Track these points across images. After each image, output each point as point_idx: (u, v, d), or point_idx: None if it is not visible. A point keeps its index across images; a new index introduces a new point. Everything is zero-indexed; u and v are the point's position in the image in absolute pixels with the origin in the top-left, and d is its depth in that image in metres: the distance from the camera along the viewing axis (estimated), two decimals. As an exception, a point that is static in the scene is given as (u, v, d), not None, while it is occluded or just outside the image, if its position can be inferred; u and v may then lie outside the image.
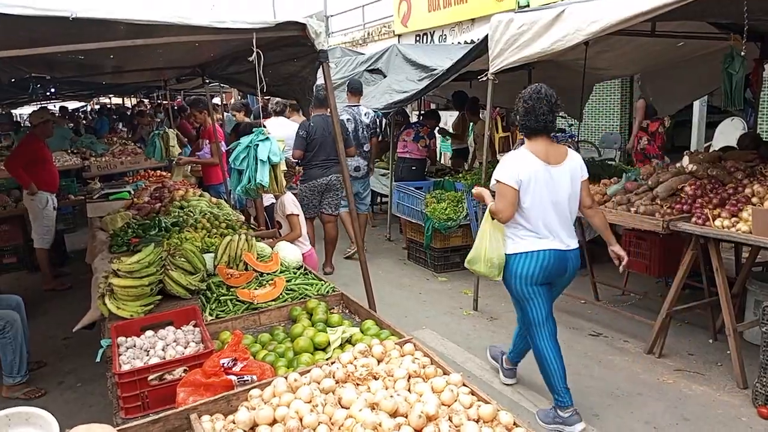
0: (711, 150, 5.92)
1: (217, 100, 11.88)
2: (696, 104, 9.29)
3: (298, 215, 4.91)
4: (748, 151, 5.17)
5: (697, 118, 9.64)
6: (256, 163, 3.75)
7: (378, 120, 7.56)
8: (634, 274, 5.55)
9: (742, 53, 4.68)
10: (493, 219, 3.61)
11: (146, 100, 16.19)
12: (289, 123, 7.50)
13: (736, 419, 3.74)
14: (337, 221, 7.09)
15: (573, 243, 3.63)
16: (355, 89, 7.34)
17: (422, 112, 10.63)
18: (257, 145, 3.78)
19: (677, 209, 4.39)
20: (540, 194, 3.46)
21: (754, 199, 4.13)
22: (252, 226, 4.98)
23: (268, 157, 3.75)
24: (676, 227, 4.24)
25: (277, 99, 7.48)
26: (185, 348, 2.73)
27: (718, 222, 4.08)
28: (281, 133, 5.55)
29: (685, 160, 4.98)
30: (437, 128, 10.08)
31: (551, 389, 3.63)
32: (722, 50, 5.15)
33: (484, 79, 5.18)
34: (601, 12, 4.01)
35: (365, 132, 7.29)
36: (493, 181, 3.60)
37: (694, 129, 9.75)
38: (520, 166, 3.46)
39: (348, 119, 7.13)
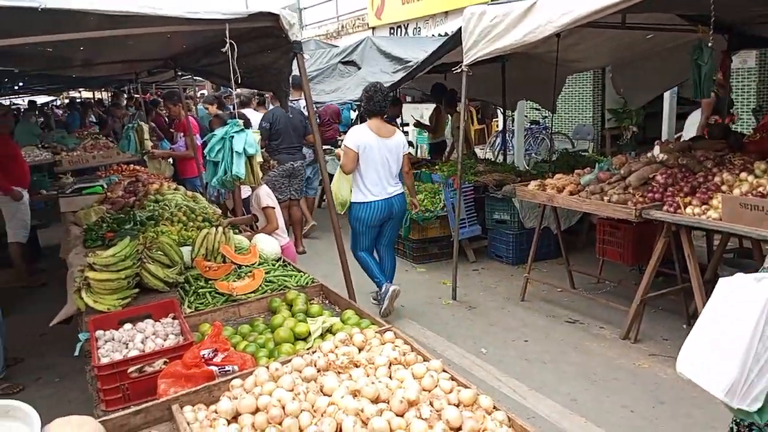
0: (681, 140, 6.03)
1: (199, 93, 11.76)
2: (666, 95, 9.44)
3: (274, 208, 4.88)
4: (717, 141, 5.28)
5: (667, 109, 9.80)
6: (232, 155, 3.73)
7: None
8: (608, 262, 5.65)
9: (710, 44, 4.78)
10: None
11: (125, 94, 15.93)
12: (256, 114, 7.81)
13: (710, 401, 3.76)
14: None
15: (396, 190, 5.24)
16: (296, 84, 7.42)
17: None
18: (232, 136, 3.76)
19: (649, 198, 4.47)
20: (372, 155, 5.04)
21: (724, 187, 4.23)
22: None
23: (244, 149, 3.73)
24: (649, 215, 4.32)
25: (239, 91, 7.63)
26: (164, 340, 2.71)
27: (689, 210, 4.16)
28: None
29: (656, 149, 5.07)
30: (414, 122, 10.13)
31: (372, 279, 5.42)
32: (691, 42, 5.25)
33: (459, 71, 5.21)
34: (572, 4, 4.07)
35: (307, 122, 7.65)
36: (342, 146, 5.16)
37: (664, 120, 9.92)
38: (360, 136, 5.05)
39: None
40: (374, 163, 5.06)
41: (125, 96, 15.20)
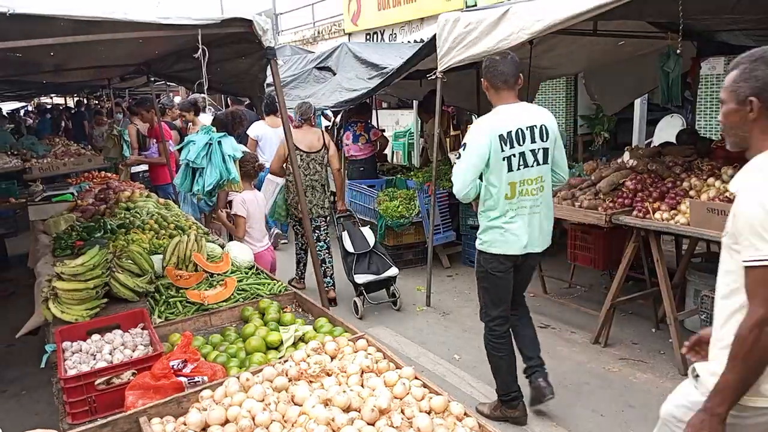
0: (651, 146, 6.13)
1: (178, 99, 11.63)
2: (637, 102, 9.58)
3: (243, 217, 4.84)
4: (685, 147, 5.37)
5: (638, 115, 9.95)
6: (224, 160, 3.69)
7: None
8: (580, 267, 5.71)
9: (678, 51, 4.86)
10: None
11: (108, 101, 15.65)
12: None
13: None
14: None
15: None
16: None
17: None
18: (219, 141, 3.72)
19: (619, 203, 4.54)
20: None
21: (692, 192, 4.31)
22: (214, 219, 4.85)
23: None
24: (618, 221, 4.38)
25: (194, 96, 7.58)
26: (133, 351, 2.67)
27: (657, 215, 4.23)
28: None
29: (626, 155, 5.15)
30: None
31: None
32: (661, 49, 5.35)
33: (433, 77, 5.23)
34: (545, 11, 4.11)
35: None
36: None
37: (635, 126, 10.07)
38: (256, 129, 7.00)
39: None
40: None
41: (94, 103, 14.95)
